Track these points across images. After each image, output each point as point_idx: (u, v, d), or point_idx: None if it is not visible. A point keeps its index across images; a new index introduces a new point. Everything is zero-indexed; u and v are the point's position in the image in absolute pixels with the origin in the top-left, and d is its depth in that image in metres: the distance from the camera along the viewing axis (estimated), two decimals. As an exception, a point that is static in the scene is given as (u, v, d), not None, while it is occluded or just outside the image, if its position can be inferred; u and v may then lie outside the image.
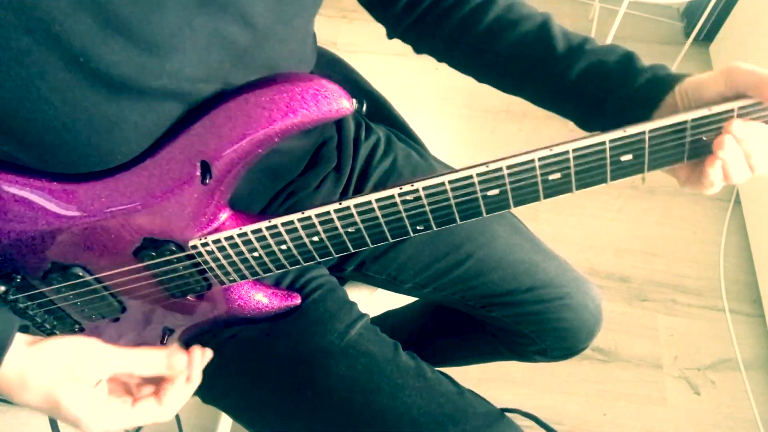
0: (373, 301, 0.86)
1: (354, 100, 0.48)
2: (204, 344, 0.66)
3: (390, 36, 0.68)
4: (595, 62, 0.54)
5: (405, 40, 0.67)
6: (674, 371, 1.35)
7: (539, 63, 0.57)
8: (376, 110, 0.83)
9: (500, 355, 0.89)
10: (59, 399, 0.47)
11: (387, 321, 1.01)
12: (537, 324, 0.76)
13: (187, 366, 0.55)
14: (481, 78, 0.64)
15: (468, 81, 0.67)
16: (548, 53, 0.56)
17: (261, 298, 0.63)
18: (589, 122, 0.58)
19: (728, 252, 1.53)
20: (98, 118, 0.44)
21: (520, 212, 0.85)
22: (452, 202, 0.50)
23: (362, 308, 0.69)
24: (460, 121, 1.76)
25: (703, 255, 1.52)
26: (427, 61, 0.70)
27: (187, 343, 0.67)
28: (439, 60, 0.66)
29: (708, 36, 1.90)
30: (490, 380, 1.29)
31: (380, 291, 0.85)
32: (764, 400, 1.31)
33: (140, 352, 0.52)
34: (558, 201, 0.55)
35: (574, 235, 1.54)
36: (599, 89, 0.54)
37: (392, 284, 0.78)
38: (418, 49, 0.67)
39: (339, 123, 0.73)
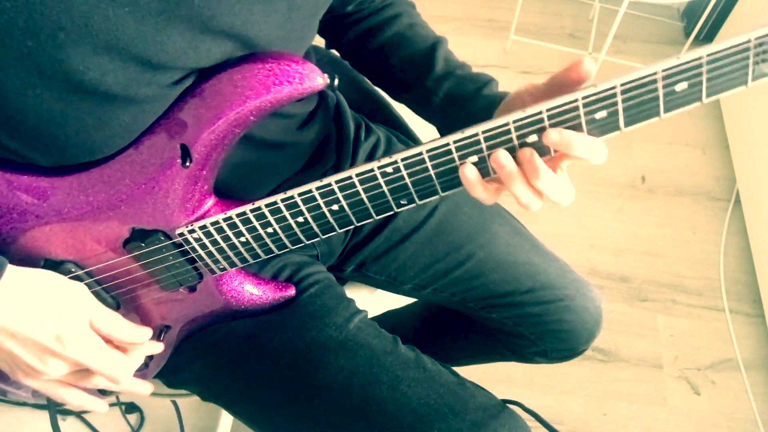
0: (372, 301, 0.86)
1: (326, 75, 0.48)
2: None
3: None
4: (459, 86, 0.64)
5: (320, 35, 0.73)
6: (674, 371, 1.35)
7: (419, 79, 0.66)
8: (377, 111, 0.83)
9: (500, 356, 0.89)
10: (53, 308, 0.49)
11: (387, 321, 1.01)
12: (537, 326, 0.76)
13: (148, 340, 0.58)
14: (374, 81, 0.73)
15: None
16: (427, 72, 0.65)
17: (253, 290, 0.63)
18: (449, 131, 0.63)
19: (728, 252, 1.53)
20: (88, 117, 0.45)
21: (520, 212, 0.85)
22: (432, 172, 0.50)
23: (362, 308, 0.68)
24: (460, 120, 1.76)
25: (703, 255, 1.52)
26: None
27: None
28: (344, 58, 0.74)
29: (708, 36, 1.90)
30: (490, 380, 1.28)
31: (380, 291, 0.85)
32: (764, 400, 1.31)
33: (117, 314, 0.55)
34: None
35: (574, 235, 1.54)
36: (457, 107, 0.65)
37: (392, 285, 0.78)
38: (328, 45, 0.74)
39: (338, 122, 0.74)
